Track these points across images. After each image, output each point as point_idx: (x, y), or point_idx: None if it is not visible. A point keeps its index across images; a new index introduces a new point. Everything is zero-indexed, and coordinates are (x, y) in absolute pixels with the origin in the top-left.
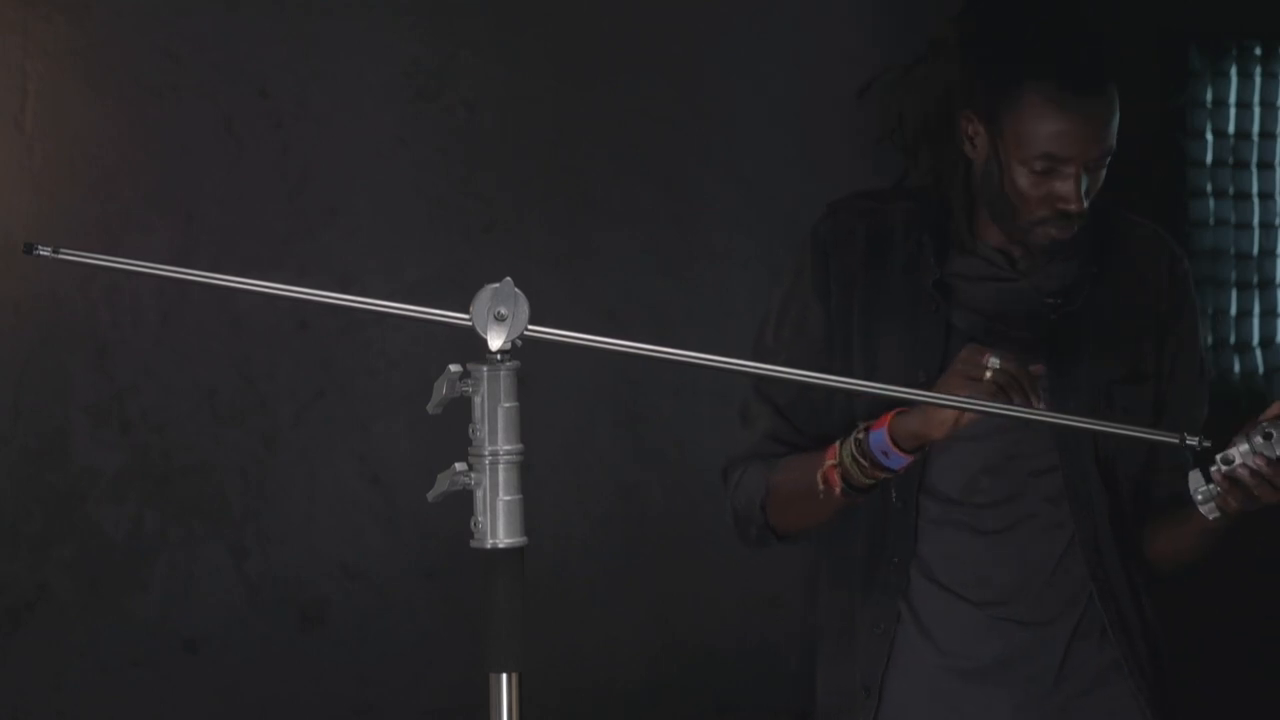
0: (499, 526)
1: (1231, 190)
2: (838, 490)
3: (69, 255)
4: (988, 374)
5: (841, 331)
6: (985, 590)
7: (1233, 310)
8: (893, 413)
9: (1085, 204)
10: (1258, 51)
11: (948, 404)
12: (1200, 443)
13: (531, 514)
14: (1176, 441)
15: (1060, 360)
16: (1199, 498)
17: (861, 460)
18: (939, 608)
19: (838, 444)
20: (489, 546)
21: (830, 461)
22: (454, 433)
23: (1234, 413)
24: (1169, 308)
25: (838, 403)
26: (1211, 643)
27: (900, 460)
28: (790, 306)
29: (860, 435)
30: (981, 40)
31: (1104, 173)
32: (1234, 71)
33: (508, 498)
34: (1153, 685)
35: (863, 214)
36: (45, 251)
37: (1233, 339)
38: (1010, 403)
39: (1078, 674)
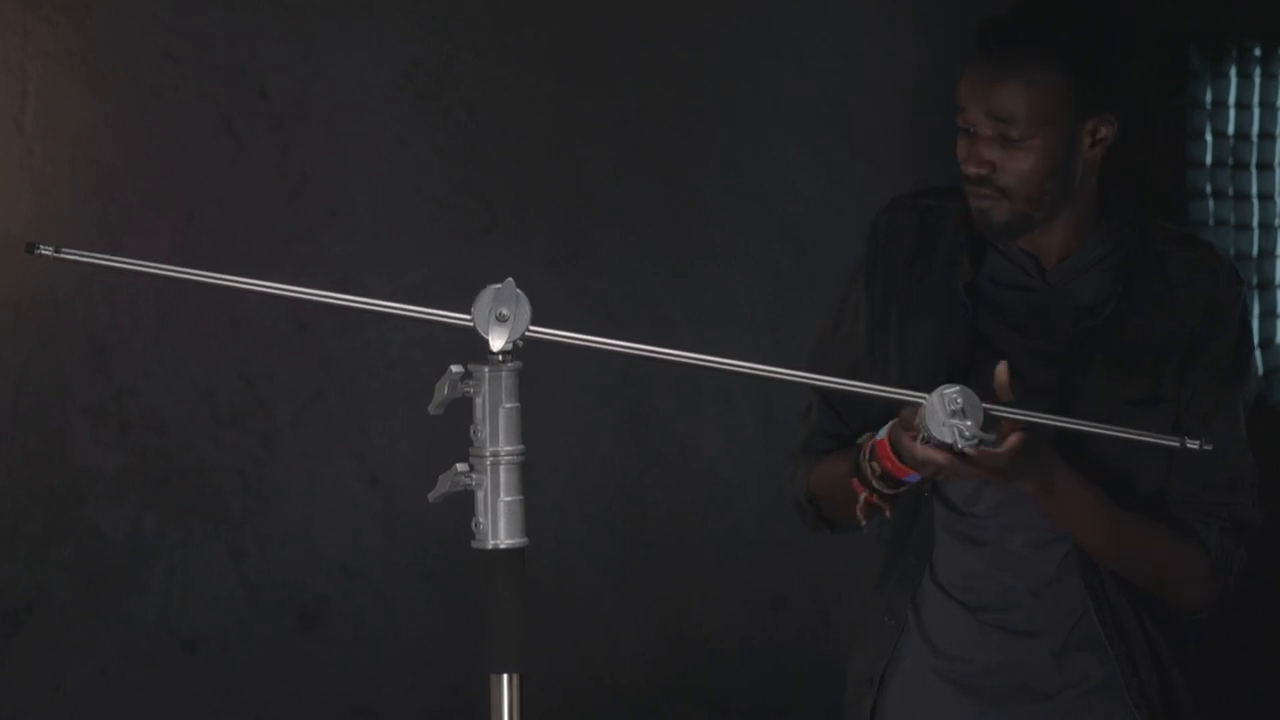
0: (500, 527)
1: (1231, 191)
2: (862, 516)
3: (71, 255)
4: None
5: (881, 328)
6: (980, 597)
7: None
8: (886, 443)
9: (982, 170)
10: (1258, 52)
11: (904, 396)
12: (1201, 445)
13: (533, 515)
14: (1176, 444)
15: (1073, 375)
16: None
17: (878, 484)
18: (939, 610)
19: (855, 477)
20: (490, 547)
21: (861, 493)
22: (454, 433)
23: None
24: (1201, 331)
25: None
26: (1233, 667)
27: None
28: (848, 298)
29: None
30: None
31: (1031, 157)
32: (1234, 72)
33: (509, 498)
34: (1154, 706)
35: (918, 211)
36: (47, 251)
37: None
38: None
39: (1072, 688)
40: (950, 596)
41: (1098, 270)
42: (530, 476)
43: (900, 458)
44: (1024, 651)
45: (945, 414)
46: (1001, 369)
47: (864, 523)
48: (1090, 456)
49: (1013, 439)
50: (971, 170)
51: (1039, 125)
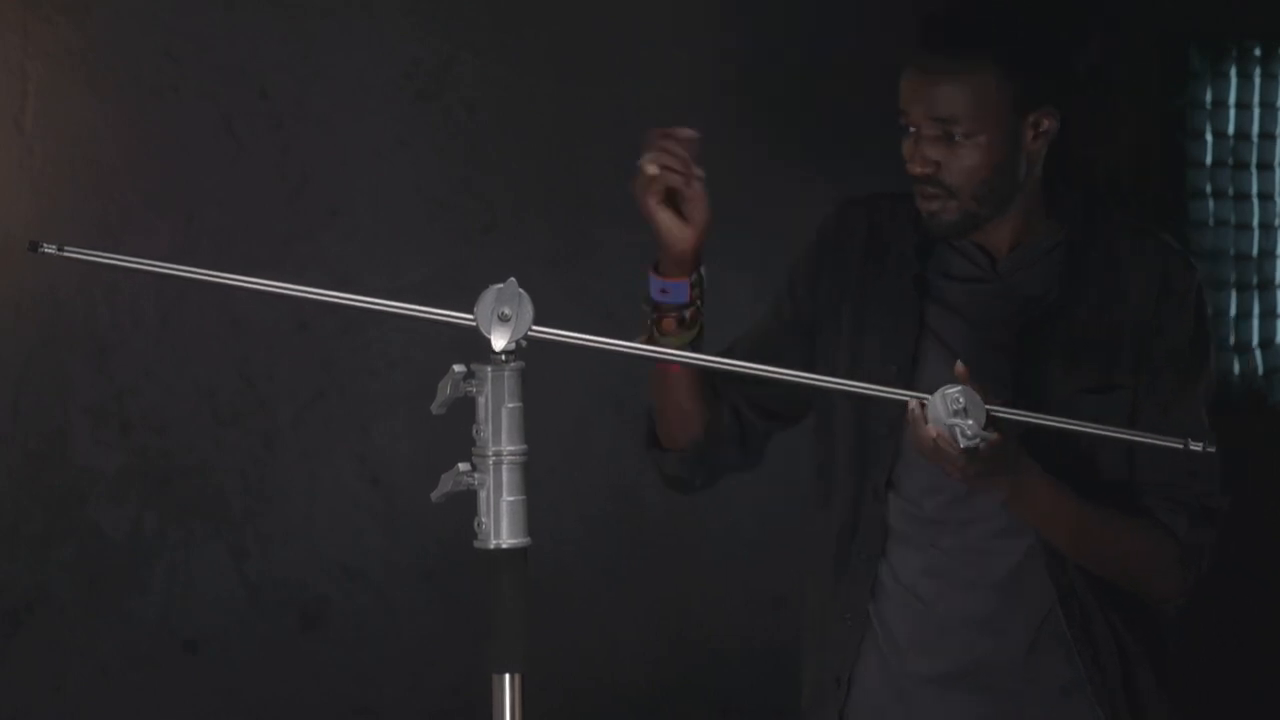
0: (503, 527)
1: (1231, 191)
2: (644, 337)
3: (73, 253)
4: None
5: (832, 325)
6: (944, 593)
7: (1232, 312)
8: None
9: (925, 170)
10: (1258, 52)
11: (904, 396)
12: (1205, 447)
13: (532, 514)
14: (1180, 446)
15: (1027, 366)
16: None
17: (648, 309)
18: (901, 608)
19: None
20: (493, 547)
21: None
22: (454, 433)
23: (1234, 414)
24: (1154, 319)
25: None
26: (1208, 667)
27: (676, 286)
28: (783, 290)
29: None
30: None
31: (974, 154)
32: (1234, 72)
33: (511, 498)
34: (1118, 706)
35: (869, 211)
36: (50, 249)
37: (1232, 340)
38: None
39: (1038, 686)
40: (913, 594)
41: (1047, 261)
42: (530, 477)
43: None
44: (991, 650)
45: (948, 414)
46: (959, 369)
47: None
48: (1053, 445)
49: (992, 437)
50: (917, 170)
51: (980, 123)
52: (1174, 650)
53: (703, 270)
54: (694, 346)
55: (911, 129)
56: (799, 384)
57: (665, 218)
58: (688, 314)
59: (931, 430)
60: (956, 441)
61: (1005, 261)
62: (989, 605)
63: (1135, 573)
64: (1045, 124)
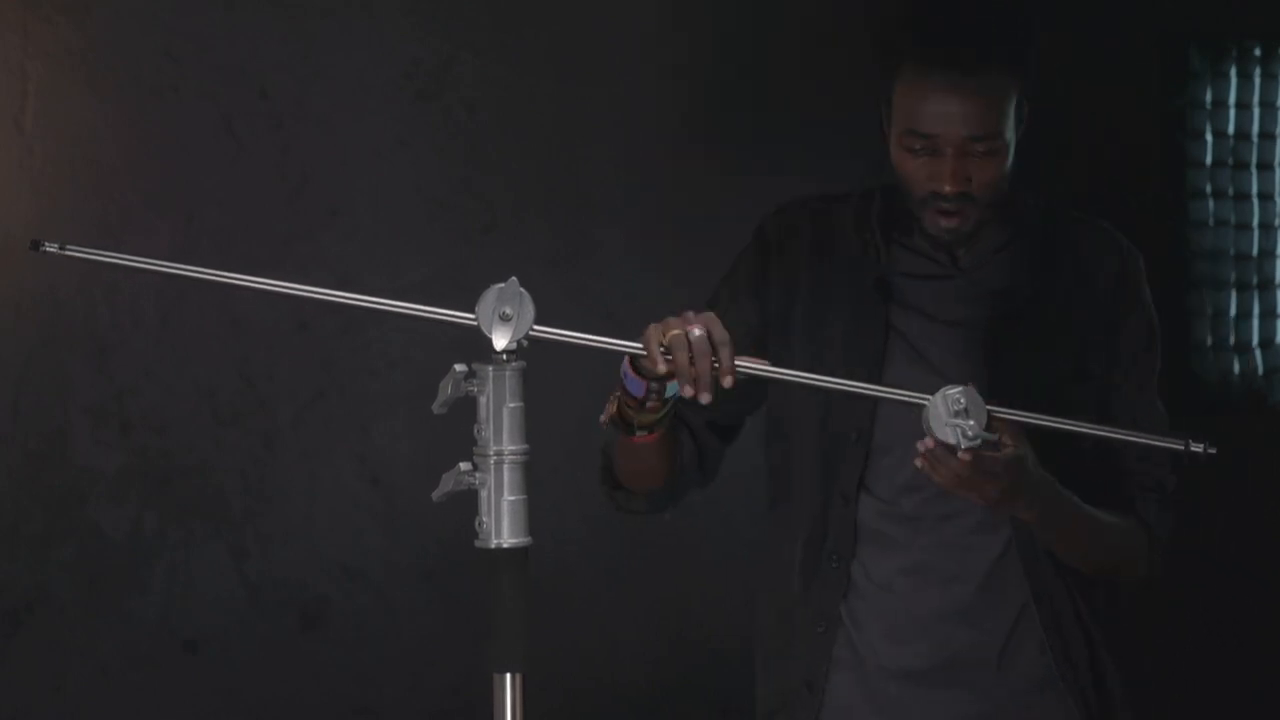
0: (504, 526)
1: (1231, 191)
2: (604, 417)
3: (75, 252)
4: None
5: (780, 329)
6: (922, 589)
7: (1232, 311)
8: None
9: (961, 188)
10: (1258, 52)
11: (905, 397)
12: (1206, 448)
13: (535, 515)
14: (1181, 447)
15: (1001, 360)
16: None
17: (618, 392)
18: (875, 605)
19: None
20: (494, 546)
21: (616, 393)
22: (455, 433)
23: (1234, 414)
24: (1117, 305)
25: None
26: (1182, 667)
27: (636, 384)
28: (718, 298)
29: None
30: (886, 13)
31: (999, 163)
32: (1234, 72)
33: (513, 498)
34: (1090, 703)
35: (812, 213)
36: (52, 248)
37: (1232, 340)
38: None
39: (1014, 682)
40: (889, 591)
41: (1008, 253)
42: (531, 476)
43: (640, 370)
44: (968, 645)
45: (948, 414)
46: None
47: (603, 421)
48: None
49: (993, 438)
50: (948, 189)
51: (1003, 132)
52: (1153, 649)
53: (669, 394)
54: (660, 425)
55: (926, 149)
56: (750, 398)
57: (651, 349)
58: (648, 405)
59: (962, 456)
60: (958, 443)
61: (968, 257)
62: (968, 600)
63: (1114, 562)
64: (1026, 114)
